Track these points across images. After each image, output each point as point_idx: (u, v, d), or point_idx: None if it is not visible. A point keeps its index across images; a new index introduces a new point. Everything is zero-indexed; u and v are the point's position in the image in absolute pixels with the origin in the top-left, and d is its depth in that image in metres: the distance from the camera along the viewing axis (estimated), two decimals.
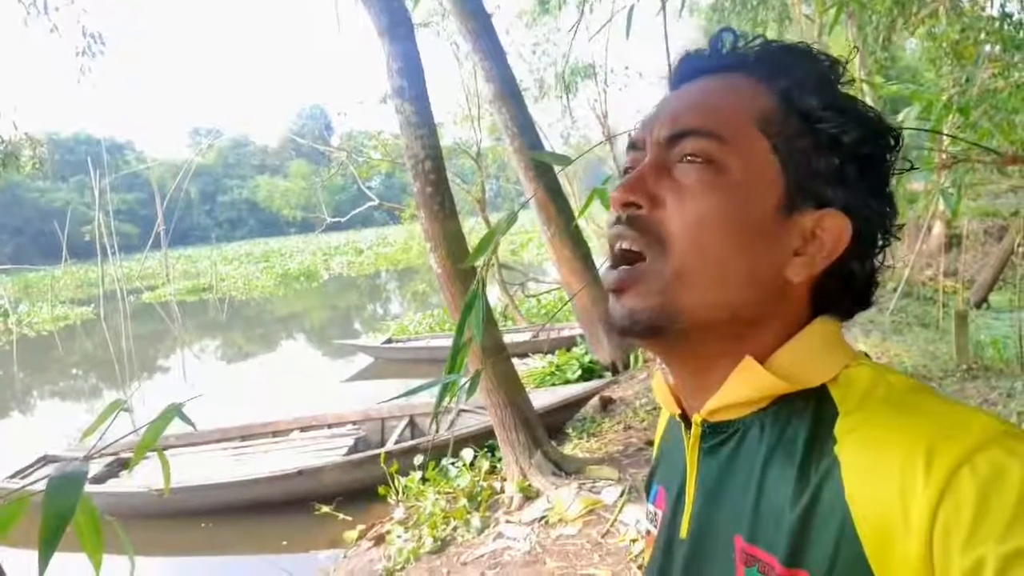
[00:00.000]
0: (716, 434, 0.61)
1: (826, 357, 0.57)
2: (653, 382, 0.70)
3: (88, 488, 0.81)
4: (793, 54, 0.60)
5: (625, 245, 0.59)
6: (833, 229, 0.56)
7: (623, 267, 0.59)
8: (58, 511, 0.74)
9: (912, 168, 0.67)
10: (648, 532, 0.73)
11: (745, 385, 0.57)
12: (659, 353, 0.63)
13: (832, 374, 0.56)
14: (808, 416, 0.55)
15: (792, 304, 0.59)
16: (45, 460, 6.01)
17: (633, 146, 0.64)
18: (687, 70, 0.64)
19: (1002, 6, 4.61)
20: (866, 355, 0.60)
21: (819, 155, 0.57)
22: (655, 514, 0.72)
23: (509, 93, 6.65)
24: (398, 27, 4.13)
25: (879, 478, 0.48)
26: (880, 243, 0.61)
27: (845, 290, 0.60)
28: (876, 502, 0.47)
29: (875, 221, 0.59)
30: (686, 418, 0.64)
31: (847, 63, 0.61)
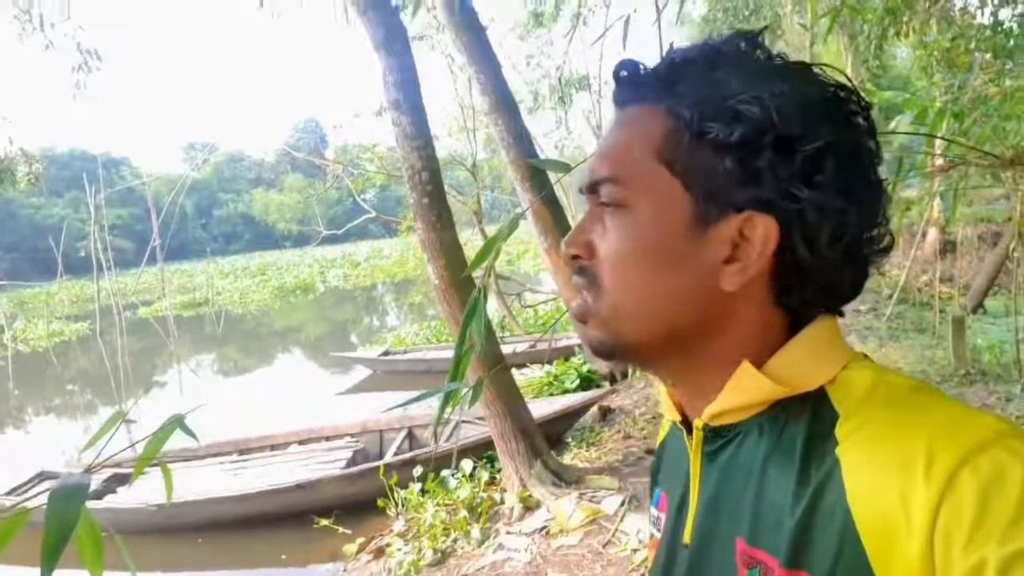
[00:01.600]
0: (717, 438, 0.61)
1: (823, 360, 0.57)
2: (656, 389, 0.72)
3: (86, 504, 0.80)
4: (677, 65, 0.59)
5: (580, 292, 0.64)
6: (759, 229, 0.55)
7: (578, 301, 0.64)
8: (61, 523, 0.74)
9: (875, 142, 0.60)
10: (652, 536, 0.74)
11: (743, 390, 0.57)
12: (639, 369, 0.67)
13: (829, 377, 0.56)
14: (805, 419, 0.55)
15: (747, 306, 0.58)
16: (42, 476, 5.97)
17: (581, 191, 0.67)
18: (615, 97, 0.66)
19: (993, 14, 4.65)
20: (865, 356, 0.60)
21: (717, 163, 0.56)
22: (658, 518, 0.72)
23: (504, 105, 6.67)
24: (394, 41, 4.15)
25: (880, 479, 0.48)
26: (839, 225, 0.55)
27: (804, 282, 0.57)
28: (877, 503, 0.47)
29: (808, 207, 0.55)
30: (688, 424, 0.65)
31: (758, 36, 0.59)
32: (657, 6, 2.14)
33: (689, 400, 0.64)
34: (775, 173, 0.55)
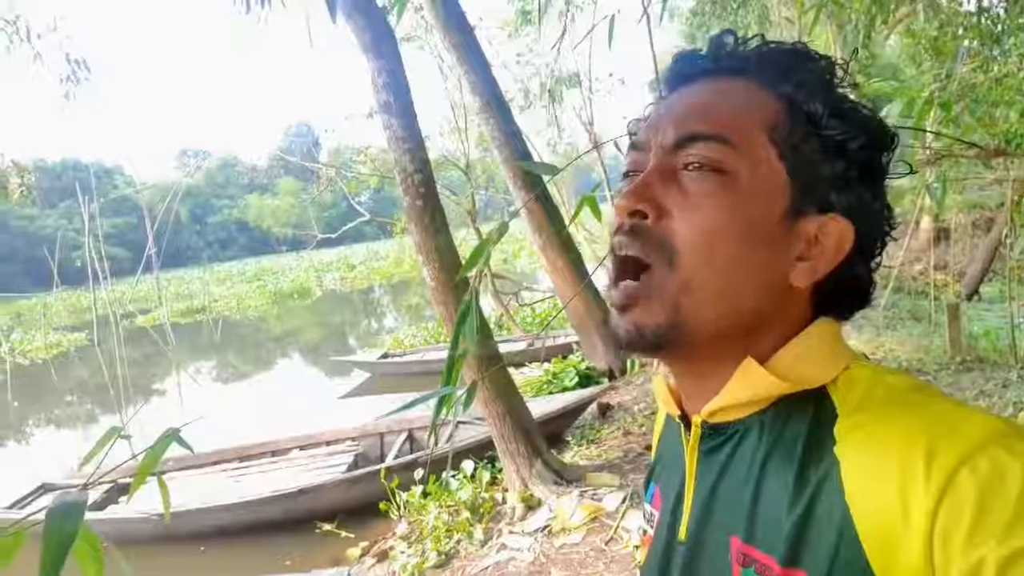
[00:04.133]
0: (716, 435, 0.61)
1: (826, 359, 0.57)
2: (653, 383, 0.70)
3: (87, 515, 0.80)
4: (796, 57, 0.60)
5: (631, 252, 0.58)
6: (836, 234, 0.57)
7: (628, 282, 0.58)
8: (59, 540, 0.74)
9: (912, 172, 0.68)
10: (645, 533, 0.73)
11: (746, 386, 0.57)
12: (664, 362, 0.63)
13: (832, 375, 0.56)
14: (807, 417, 0.55)
15: (794, 307, 0.59)
16: (43, 489, 5.96)
17: (635, 147, 0.63)
18: (686, 71, 0.64)
19: (979, 1, 4.65)
20: (865, 356, 0.60)
21: (825, 161, 0.57)
22: (651, 514, 0.72)
23: (495, 104, 6.67)
24: (382, 43, 4.15)
25: (879, 478, 0.48)
26: (880, 245, 0.61)
27: (846, 292, 0.61)
28: (876, 503, 0.47)
29: (877, 224, 0.60)
30: (686, 419, 0.65)
31: (848, 63, 0.62)
32: (643, 2, 2.15)
33: (692, 395, 0.63)
34: (867, 184, 0.58)
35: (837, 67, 0.60)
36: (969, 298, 8.58)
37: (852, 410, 0.53)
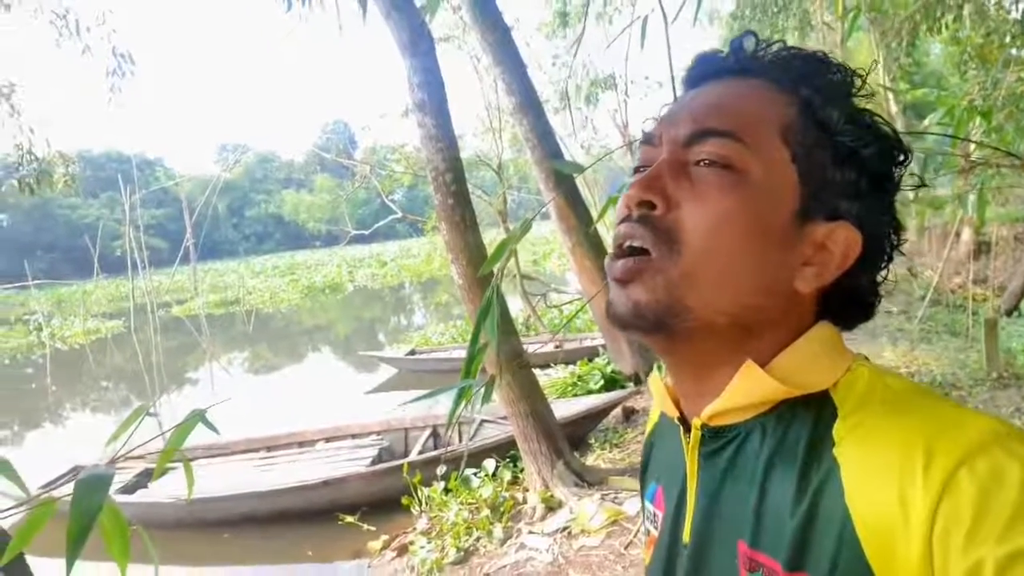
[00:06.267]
0: (717, 438, 0.60)
1: (827, 362, 0.57)
2: (651, 382, 0.70)
3: (117, 498, 0.83)
4: (814, 63, 0.60)
5: (636, 243, 0.58)
6: (844, 242, 0.57)
7: (631, 257, 0.58)
8: (85, 510, 0.77)
9: (923, 186, 0.67)
10: (648, 533, 0.73)
11: (747, 390, 0.57)
12: (659, 350, 0.62)
13: (834, 379, 0.56)
14: (809, 420, 0.55)
15: (798, 312, 0.59)
16: (76, 471, 6.11)
17: (648, 141, 0.63)
18: (705, 71, 0.64)
19: None
20: (865, 357, 0.60)
21: (836, 167, 0.57)
22: (654, 515, 0.71)
23: (529, 105, 6.67)
24: (419, 42, 4.18)
25: (878, 479, 0.48)
26: (887, 258, 0.61)
27: (850, 302, 0.61)
28: (876, 503, 0.47)
29: (884, 236, 0.60)
30: (684, 421, 0.64)
31: (867, 74, 0.61)
32: (662, 7, 2.14)
33: (691, 397, 0.63)
34: (878, 194, 0.58)
35: (855, 77, 0.60)
36: (1008, 313, 8.35)
37: (851, 412, 0.53)
